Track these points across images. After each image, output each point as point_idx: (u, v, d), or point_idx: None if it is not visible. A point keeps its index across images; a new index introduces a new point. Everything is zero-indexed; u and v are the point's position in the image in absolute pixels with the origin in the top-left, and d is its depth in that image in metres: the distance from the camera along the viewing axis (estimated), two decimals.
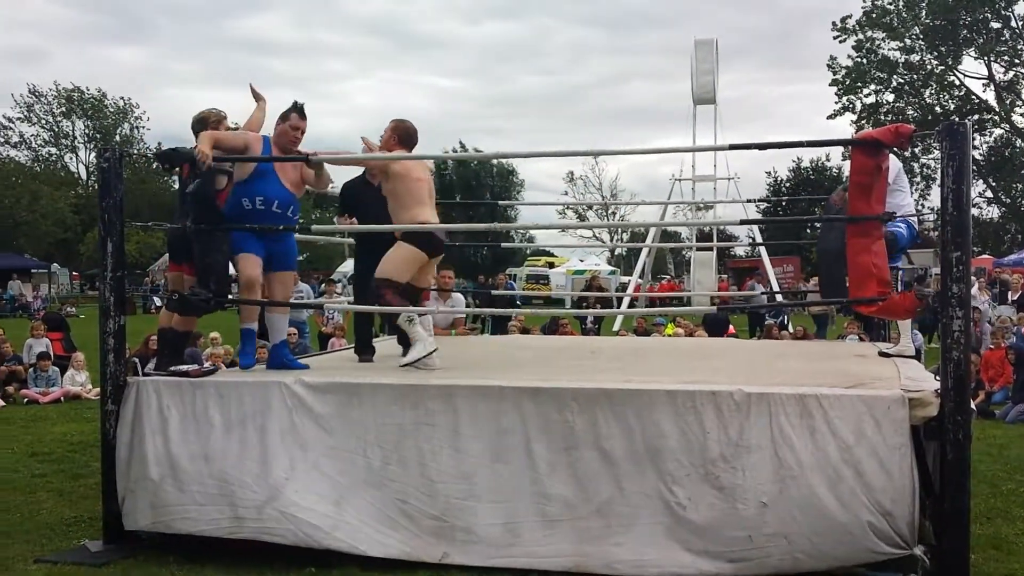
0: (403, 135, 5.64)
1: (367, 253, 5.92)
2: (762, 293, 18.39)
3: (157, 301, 29.27)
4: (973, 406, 4.32)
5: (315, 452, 4.61)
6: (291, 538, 4.49)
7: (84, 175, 54.01)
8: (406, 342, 5.63)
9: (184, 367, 5.15)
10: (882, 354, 5.95)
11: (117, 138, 52.15)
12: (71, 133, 54.46)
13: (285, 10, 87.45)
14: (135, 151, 51.25)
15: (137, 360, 5.34)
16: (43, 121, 53.30)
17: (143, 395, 4.84)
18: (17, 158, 51.42)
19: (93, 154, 51.60)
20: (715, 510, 4.19)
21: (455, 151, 52.49)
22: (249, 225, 5.17)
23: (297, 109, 5.37)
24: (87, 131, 54.26)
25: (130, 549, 4.70)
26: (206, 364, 5.94)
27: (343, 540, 4.45)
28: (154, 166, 44.02)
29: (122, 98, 54.71)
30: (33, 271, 37.68)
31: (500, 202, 47.29)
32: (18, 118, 52.22)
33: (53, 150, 54.66)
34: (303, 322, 13.39)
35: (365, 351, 6.10)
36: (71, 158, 55.46)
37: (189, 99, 72.95)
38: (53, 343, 12.50)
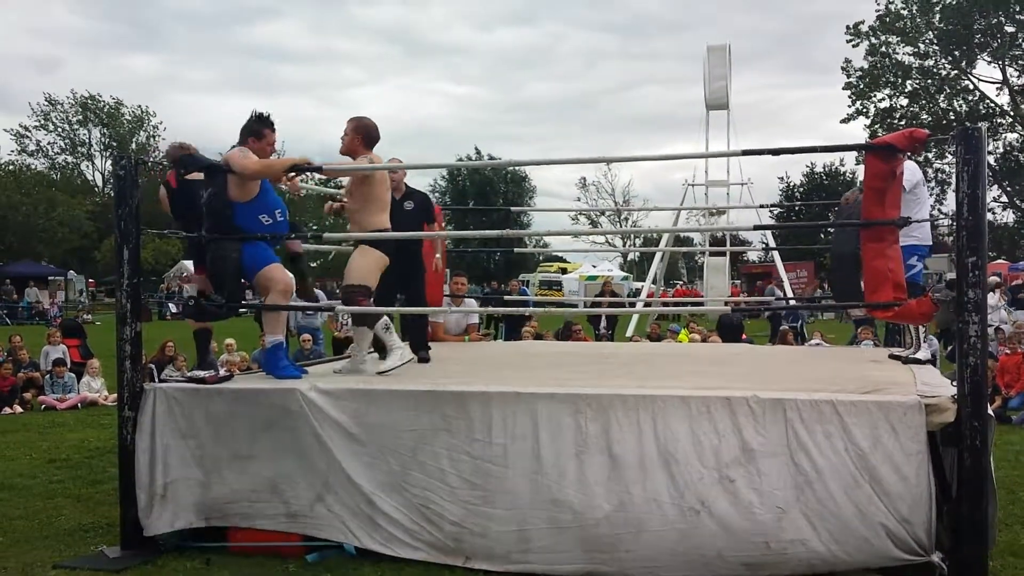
0: (365, 135, 5.48)
1: (394, 261, 5.98)
2: (779, 299, 18.33)
3: (172, 308, 29.47)
4: (991, 412, 4.28)
5: (340, 457, 4.65)
6: (340, 536, 4.63)
7: (100, 183, 54.38)
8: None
9: (201, 373, 5.19)
10: (893, 356, 5.92)
11: (133, 146, 52.51)
12: (87, 141, 54.93)
13: (299, 17, 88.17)
14: (151, 159, 51.47)
15: (153, 367, 5.39)
16: (59, 129, 53.82)
17: (161, 401, 4.88)
18: (34, 166, 51.95)
19: (109, 162, 51.86)
20: (731, 515, 4.18)
21: (470, 158, 52.58)
22: (262, 234, 5.21)
23: (270, 124, 5.30)
24: (103, 139, 54.70)
25: (148, 555, 4.73)
26: (222, 371, 5.98)
27: (381, 542, 4.56)
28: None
29: (139, 106, 55.25)
30: (50, 278, 37.92)
31: (513, 208, 47.38)
32: (35, 126, 52.81)
33: (69, 158, 55.14)
34: (317, 328, 13.45)
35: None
36: (87, 166, 55.98)
37: (203, 106, 73.69)
38: (70, 350, 12.59)
